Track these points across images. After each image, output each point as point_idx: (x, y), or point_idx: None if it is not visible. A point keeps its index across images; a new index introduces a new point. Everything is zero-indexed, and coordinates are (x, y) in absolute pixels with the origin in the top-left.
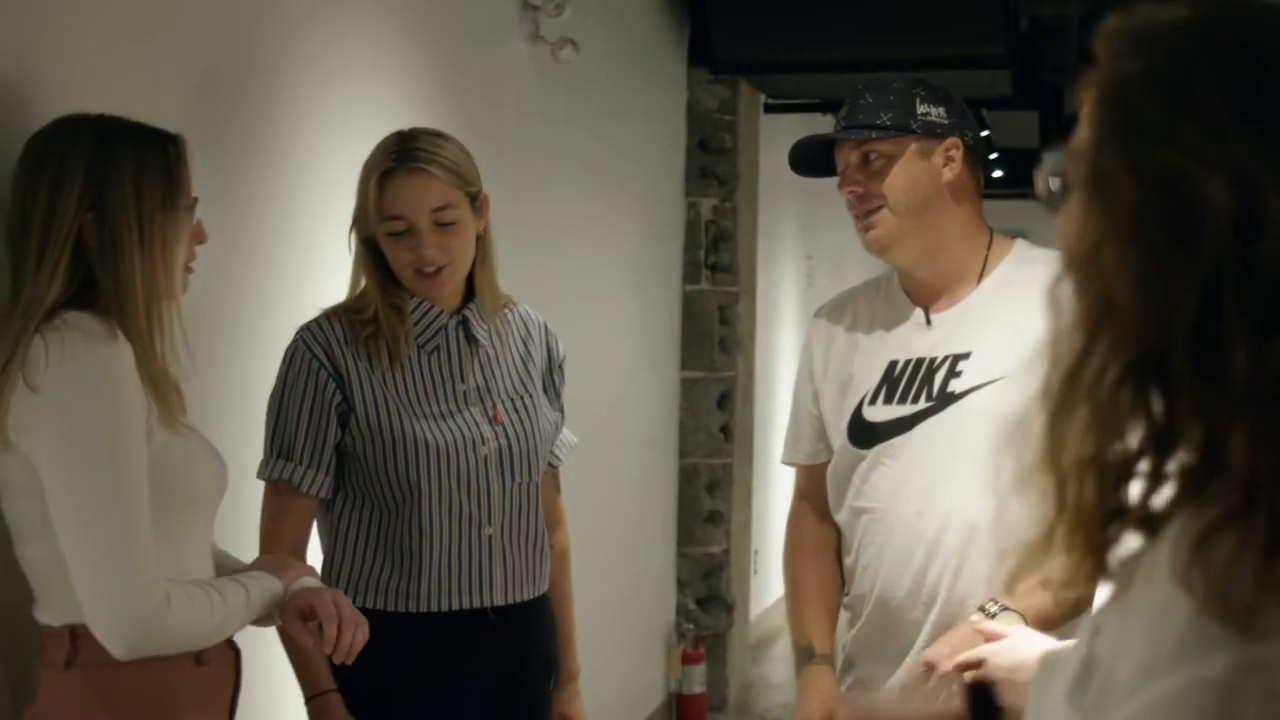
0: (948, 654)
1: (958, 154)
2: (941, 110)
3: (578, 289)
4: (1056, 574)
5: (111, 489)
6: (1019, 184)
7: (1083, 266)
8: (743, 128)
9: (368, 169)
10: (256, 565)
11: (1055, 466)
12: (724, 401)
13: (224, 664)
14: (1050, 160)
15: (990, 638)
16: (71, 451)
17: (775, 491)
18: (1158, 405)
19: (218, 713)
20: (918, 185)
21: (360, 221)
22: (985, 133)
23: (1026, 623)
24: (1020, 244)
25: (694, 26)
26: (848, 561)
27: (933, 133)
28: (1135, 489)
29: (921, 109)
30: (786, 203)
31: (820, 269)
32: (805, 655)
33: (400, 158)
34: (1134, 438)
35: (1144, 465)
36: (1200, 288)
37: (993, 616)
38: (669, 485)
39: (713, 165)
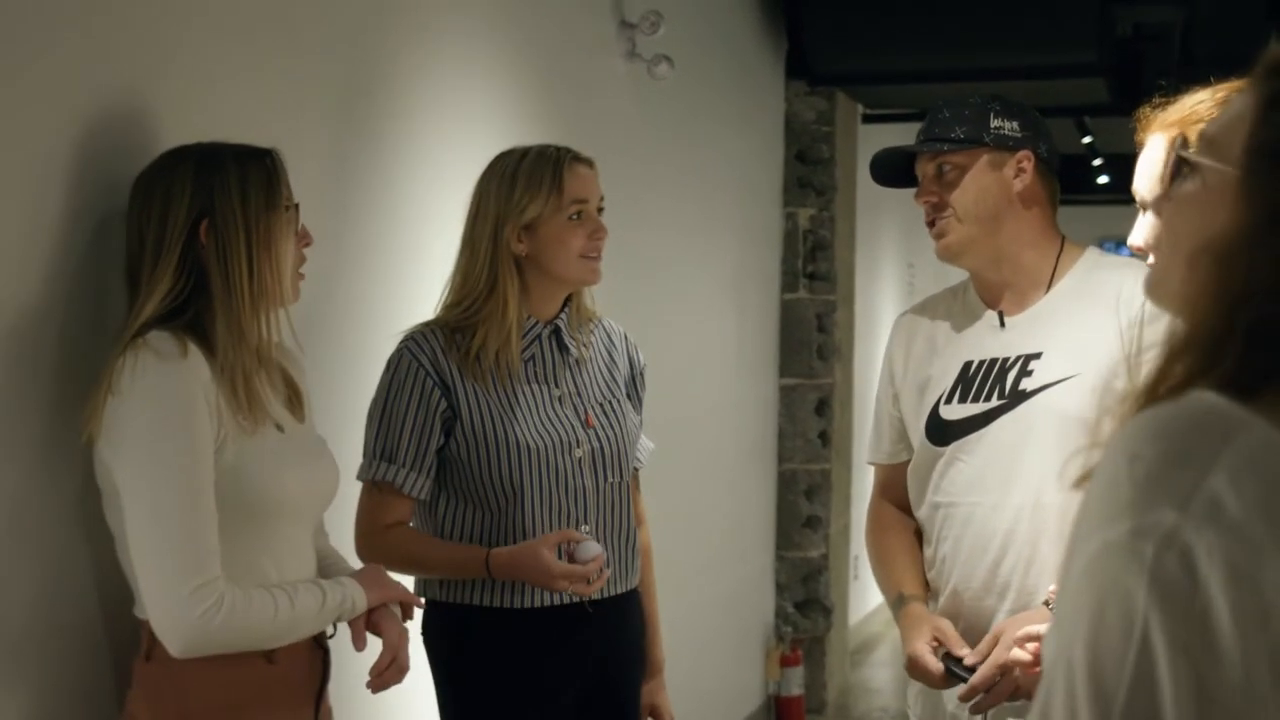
0: (1018, 631)
1: (1029, 165)
2: (1015, 124)
3: (678, 299)
4: None
5: (169, 499)
6: (1123, 189)
7: (1229, 247)
8: (840, 138)
9: (539, 164)
10: (357, 575)
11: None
12: (822, 408)
13: (299, 662)
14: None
15: None
16: (137, 463)
17: None
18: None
19: (294, 710)
20: (988, 195)
21: (528, 218)
22: (1087, 139)
23: None
24: (1092, 250)
25: (791, 40)
26: (927, 554)
27: (1005, 145)
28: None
29: (995, 123)
30: (887, 211)
31: (921, 276)
32: (899, 601)
33: (574, 153)
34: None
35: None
36: None
37: None
38: (768, 490)
39: (810, 176)
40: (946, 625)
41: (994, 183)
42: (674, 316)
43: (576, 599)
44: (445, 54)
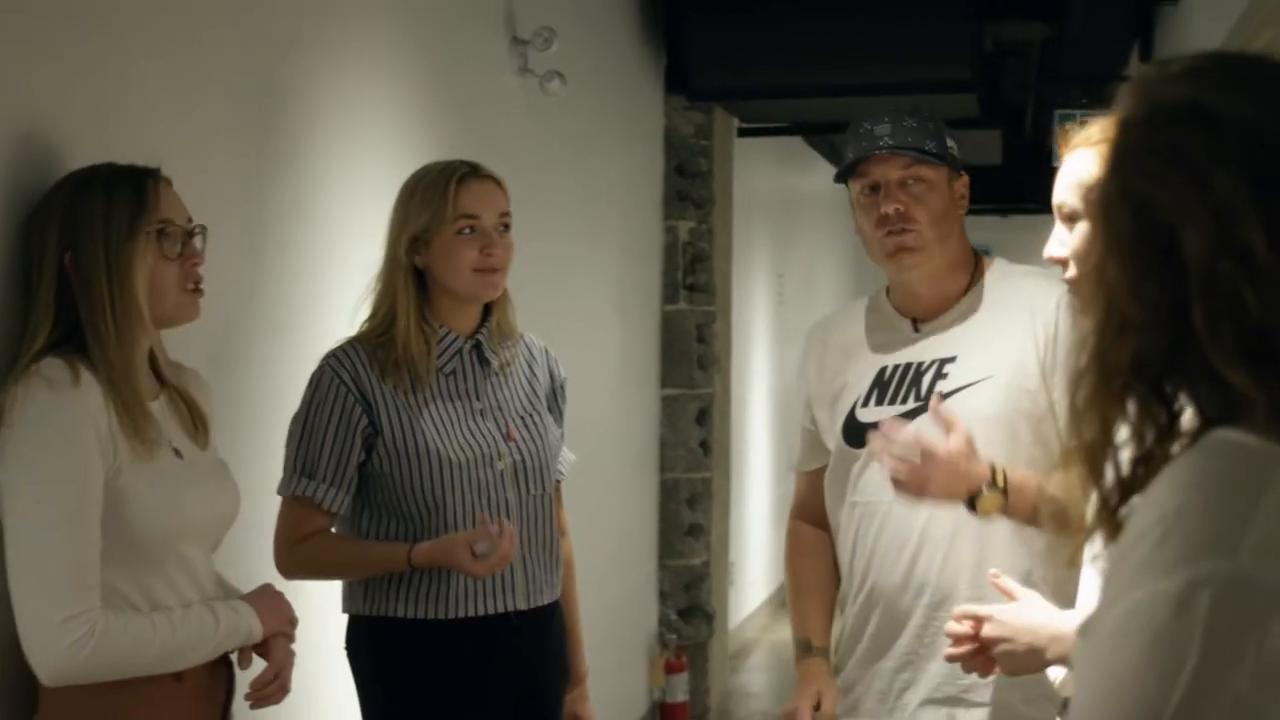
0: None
1: (966, 188)
2: (954, 145)
3: (564, 311)
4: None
5: (48, 529)
6: (983, 200)
7: (1095, 278)
8: (717, 152)
9: (436, 180)
10: (251, 598)
11: (1082, 455)
12: (702, 417)
13: (204, 679)
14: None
15: (1004, 592)
16: (20, 492)
17: (750, 505)
18: (1161, 392)
19: None
20: (949, 213)
21: (415, 230)
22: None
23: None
24: (999, 261)
25: (670, 56)
26: (844, 556)
27: (955, 166)
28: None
29: (950, 142)
30: (758, 223)
31: (790, 286)
32: (803, 649)
33: (473, 168)
34: (1145, 425)
35: (1150, 446)
36: (1189, 297)
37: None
38: (651, 500)
39: (689, 189)
40: (830, 695)
41: (950, 200)
42: (560, 328)
43: (499, 610)
44: (349, 71)
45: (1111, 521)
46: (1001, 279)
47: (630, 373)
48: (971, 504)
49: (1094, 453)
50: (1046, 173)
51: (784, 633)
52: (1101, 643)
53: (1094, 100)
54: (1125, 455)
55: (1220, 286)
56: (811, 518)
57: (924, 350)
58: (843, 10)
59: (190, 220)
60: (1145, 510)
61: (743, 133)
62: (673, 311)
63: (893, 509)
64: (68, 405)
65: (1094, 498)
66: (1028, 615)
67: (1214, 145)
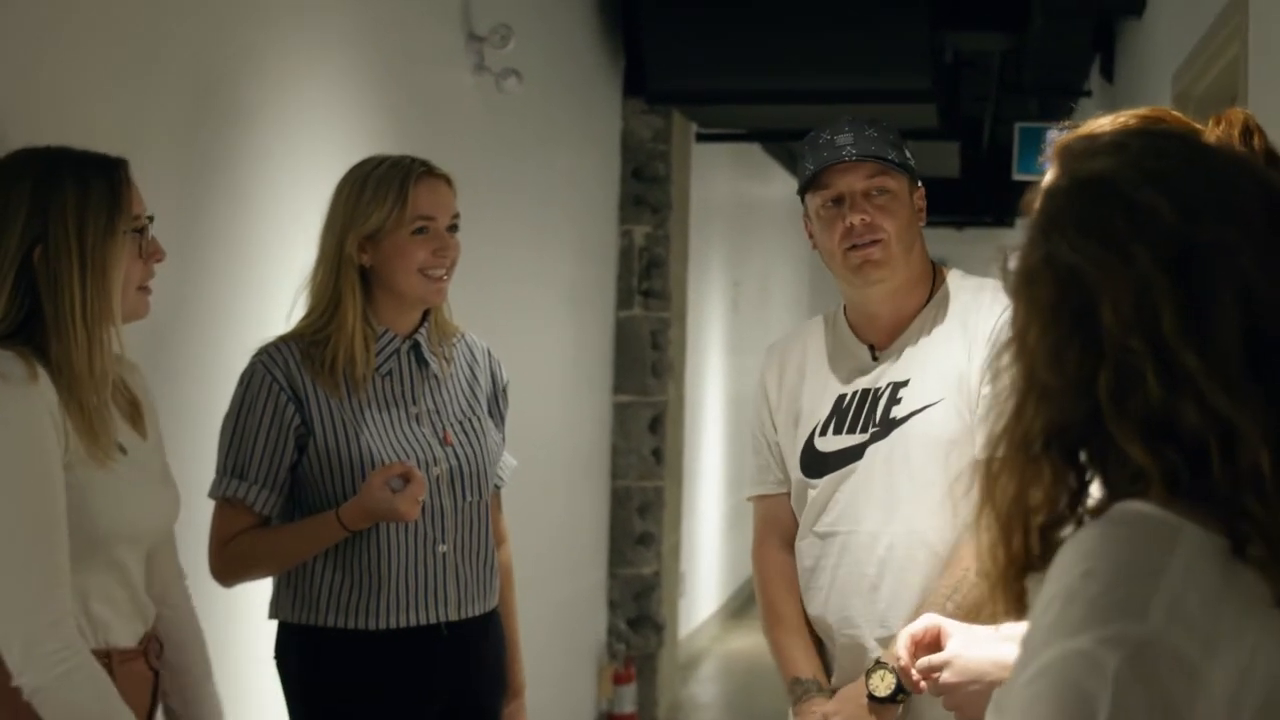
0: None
1: (923, 201)
2: (911, 156)
3: (516, 314)
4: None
5: (18, 528)
6: (940, 212)
7: (1016, 343)
8: (675, 157)
9: (388, 176)
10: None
11: (993, 517)
12: (655, 425)
13: (134, 682)
14: (1009, 254)
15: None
16: None
17: (702, 514)
18: (1075, 460)
19: None
20: (912, 225)
21: (369, 228)
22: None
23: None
24: (954, 274)
25: (629, 58)
26: (803, 581)
27: (914, 177)
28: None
29: (907, 152)
30: (714, 230)
31: (746, 295)
32: (801, 688)
33: (428, 166)
34: (1057, 491)
35: (1061, 510)
36: (1100, 369)
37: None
38: (601, 507)
39: (646, 193)
40: None
41: (913, 213)
42: (512, 331)
43: (430, 620)
44: (296, 63)
45: (1018, 586)
46: (956, 294)
47: (583, 378)
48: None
49: (1006, 517)
50: (1004, 186)
51: (735, 644)
52: (1016, 703)
53: (1051, 114)
54: (1038, 520)
55: (1128, 362)
56: (778, 543)
57: (879, 375)
58: (804, 17)
59: (145, 210)
60: (1054, 578)
61: (700, 138)
62: (627, 317)
63: (850, 540)
64: (25, 399)
65: (1000, 561)
66: (981, 651)
67: (1131, 223)
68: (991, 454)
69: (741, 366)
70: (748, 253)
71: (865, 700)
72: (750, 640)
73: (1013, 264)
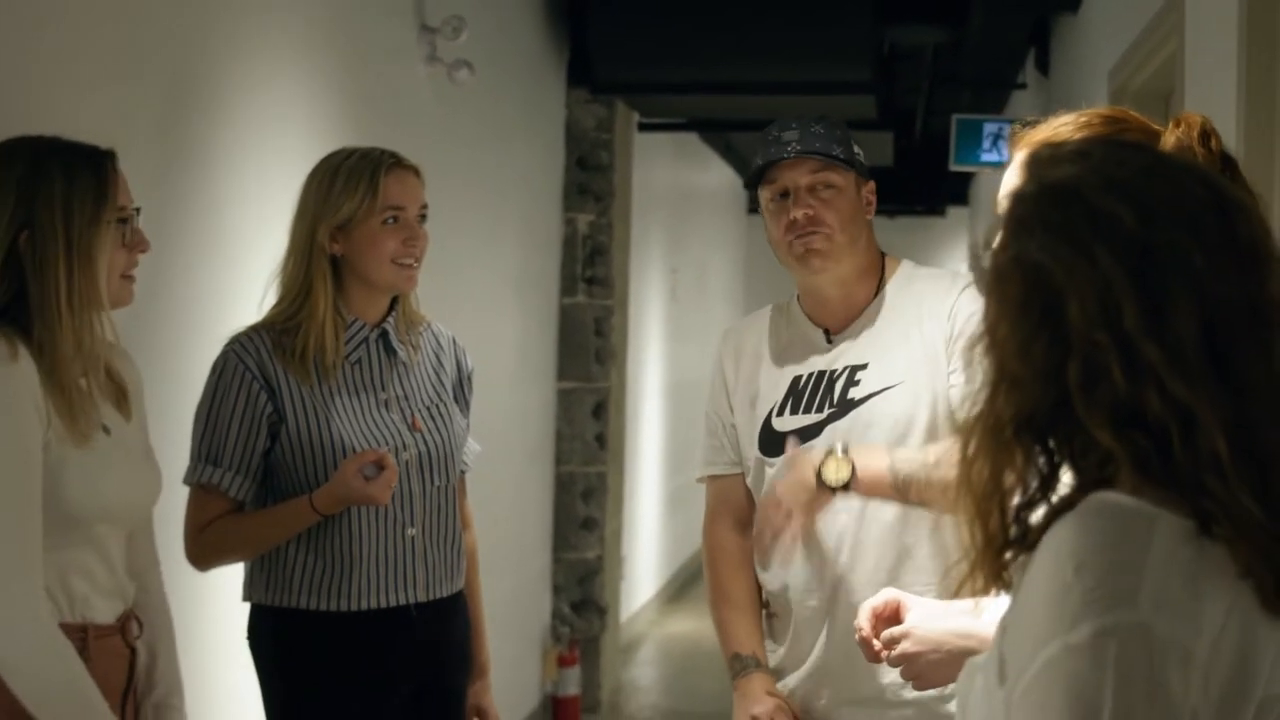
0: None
1: (873, 195)
2: (860, 152)
3: (463, 301)
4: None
5: None
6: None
7: (988, 336)
8: (618, 146)
9: (359, 167)
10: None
11: (969, 498)
12: (599, 411)
13: (110, 659)
14: (982, 255)
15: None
16: None
17: (642, 499)
18: (1045, 447)
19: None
20: (858, 218)
21: (340, 218)
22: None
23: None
24: (905, 264)
25: (573, 48)
26: (758, 555)
27: (862, 172)
28: (1028, 516)
29: (856, 149)
30: (654, 219)
31: (684, 282)
32: (741, 664)
33: (397, 158)
34: (1029, 474)
35: (1034, 493)
36: (1068, 360)
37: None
38: (546, 492)
39: (589, 182)
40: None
41: (858, 206)
42: (458, 319)
43: (400, 602)
44: (254, 53)
45: (997, 563)
46: (908, 283)
47: (528, 365)
48: (820, 478)
49: (982, 499)
50: (937, 176)
51: (674, 627)
52: (1024, 701)
53: (985, 106)
54: (1012, 501)
55: (1094, 355)
56: (730, 523)
57: (836, 358)
58: (747, 8)
59: (131, 201)
60: (1040, 573)
61: (642, 128)
62: (571, 304)
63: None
64: (8, 378)
65: (978, 540)
66: (939, 624)
67: (1094, 226)
68: (965, 441)
69: (680, 353)
70: (686, 241)
71: (813, 478)
72: (688, 624)
73: (985, 263)
